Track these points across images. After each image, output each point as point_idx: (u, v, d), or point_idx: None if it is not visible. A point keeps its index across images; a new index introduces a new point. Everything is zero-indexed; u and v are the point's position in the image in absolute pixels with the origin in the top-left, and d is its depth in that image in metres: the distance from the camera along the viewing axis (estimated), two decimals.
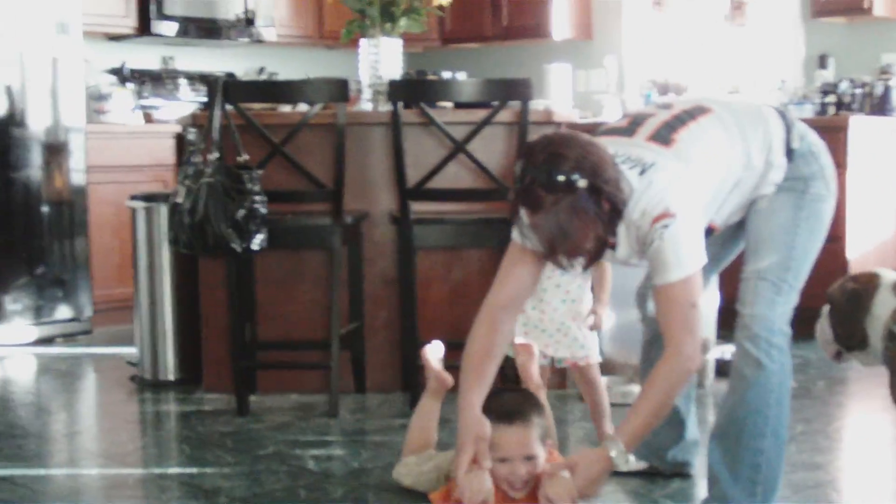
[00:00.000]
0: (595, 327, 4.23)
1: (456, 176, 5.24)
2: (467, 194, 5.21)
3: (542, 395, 3.80)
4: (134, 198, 5.76)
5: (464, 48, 9.52)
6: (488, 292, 3.44)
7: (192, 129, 5.39)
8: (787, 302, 3.35)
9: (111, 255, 7.27)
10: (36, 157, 6.92)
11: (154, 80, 8.26)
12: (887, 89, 7.07)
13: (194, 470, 4.26)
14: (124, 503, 3.94)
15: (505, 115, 5.16)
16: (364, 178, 5.44)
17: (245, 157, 4.98)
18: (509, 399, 3.48)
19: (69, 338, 6.97)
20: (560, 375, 5.34)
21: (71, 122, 7.05)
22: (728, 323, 4.33)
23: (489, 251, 5.28)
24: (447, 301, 5.42)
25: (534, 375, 3.94)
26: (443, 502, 3.59)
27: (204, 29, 8.20)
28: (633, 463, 4.10)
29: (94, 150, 7.21)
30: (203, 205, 4.81)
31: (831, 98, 7.28)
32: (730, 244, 3.69)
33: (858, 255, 6.58)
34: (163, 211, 5.48)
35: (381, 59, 5.71)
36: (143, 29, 7.97)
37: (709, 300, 5.06)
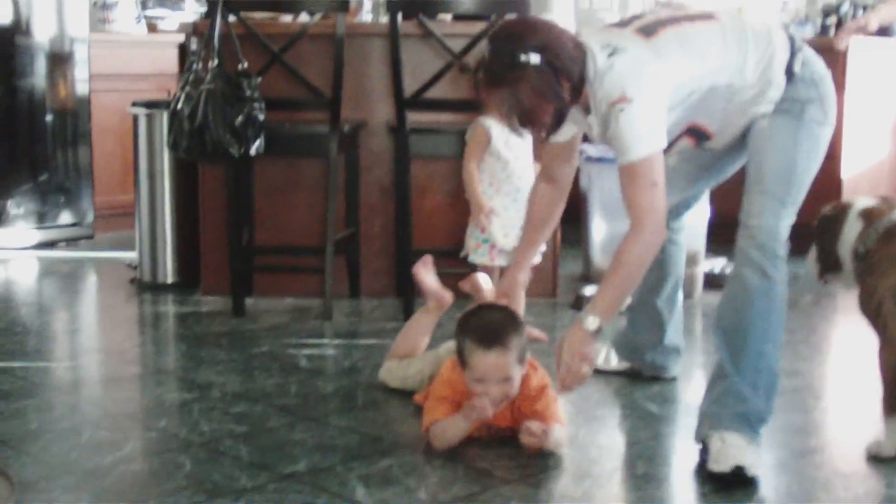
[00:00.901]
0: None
1: (453, 87, 5.30)
2: (463, 105, 5.26)
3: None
4: (135, 104, 5.82)
5: None
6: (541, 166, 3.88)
7: (195, 38, 5.44)
8: (789, 216, 3.42)
9: (113, 162, 7.35)
10: (40, 66, 6.97)
11: None
12: None
13: (189, 365, 4.38)
14: (121, 395, 4.05)
15: None
16: (362, 87, 5.51)
17: (245, 64, 5.04)
18: (489, 320, 3.51)
19: (71, 242, 7.07)
20: (551, 284, 5.44)
21: (75, 32, 7.10)
22: (718, 237, 4.43)
23: None
24: (442, 209, 5.50)
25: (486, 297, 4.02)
26: (425, 402, 3.71)
27: None
28: (614, 363, 4.25)
29: (98, 59, 7.26)
30: (202, 111, 4.88)
31: (832, 19, 7.30)
32: (728, 160, 3.77)
33: (853, 175, 6.64)
34: (163, 117, 5.54)
35: None
36: None
37: (699, 213, 5.14)
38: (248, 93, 4.93)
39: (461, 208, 5.39)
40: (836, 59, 6.41)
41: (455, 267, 5.08)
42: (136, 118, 5.78)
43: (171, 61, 7.58)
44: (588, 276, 5.80)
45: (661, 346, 4.15)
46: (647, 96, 3.25)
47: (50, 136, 7.03)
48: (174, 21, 8.07)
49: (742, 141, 3.56)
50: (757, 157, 3.47)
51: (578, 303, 5.26)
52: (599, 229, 5.71)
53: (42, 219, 6.99)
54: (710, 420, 3.37)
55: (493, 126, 4.58)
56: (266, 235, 5.52)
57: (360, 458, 3.38)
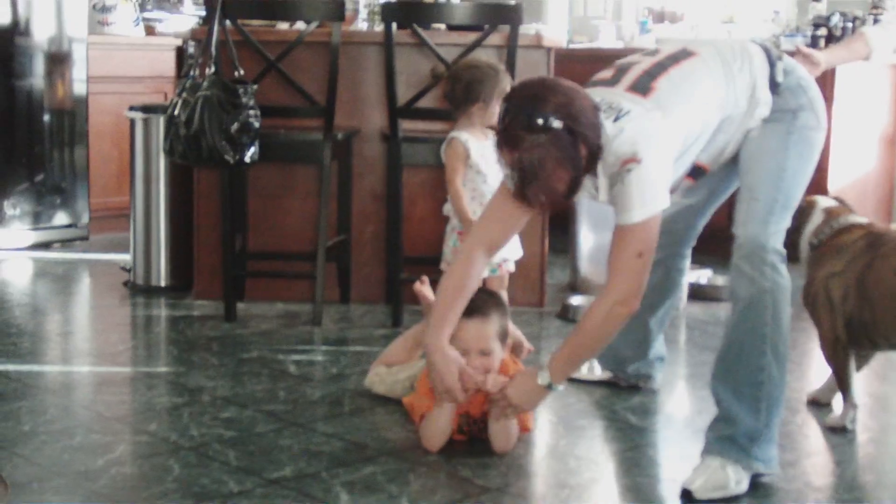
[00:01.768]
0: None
1: (443, 100, 5.37)
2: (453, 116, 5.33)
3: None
4: (133, 108, 5.90)
5: None
6: (473, 228, 3.68)
7: (192, 43, 5.51)
8: (779, 222, 3.41)
9: (109, 164, 7.43)
10: (39, 67, 7.04)
11: None
12: (877, 23, 7.14)
13: (180, 370, 4.45)
14: (113, 398, 4.11)
15: (496, 39, 5.28)
16: (356, 95, 5.58)
17: (241, 72, 5.12)
18: (473, 297, 3.60)
19: (66, 243, 7.14)
20: (539, 293, 5.51)
21: (74, 33, 7.17)
22: (703, 249, 4.50)
23: None
24: (433, 217, 5.56)
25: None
26: (412, 411, 3.79)
27: None
28: (598, 373, 4.33)
29: (96, 61, 7.33)
30: (199, 117, 4.94)
31: (822, 31, 7.37)
32: (727, 180, 3.78)
33: (840, 187, 6.71)
34: (160, 122, 5.61)
35: None
36: None
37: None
38: (244, 100, 5.00)
39: None
40: (824, 73, 6.48)
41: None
42: (132, 122, 5.85)
43: (168, 64, 7.68)
44: (575, 286, 5.87)
45: (646, 359, 4.23)
46: (656, 157, 3.22)
47: (47, 136, 7.09)
48: (172, 24, 8.15)
49: (736, 157, 3.57)
50: (746, 167, 3.48)
51: (565, 312, 5.34)
52: (587, 239, 5.78)
53: (37, 219, 7.05)
54: (704, 445, 3.43)
55: (470, 139, 4.57)
56: (259, 241, 5.60)
57: (345, 464, 3.46)
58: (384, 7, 5.24)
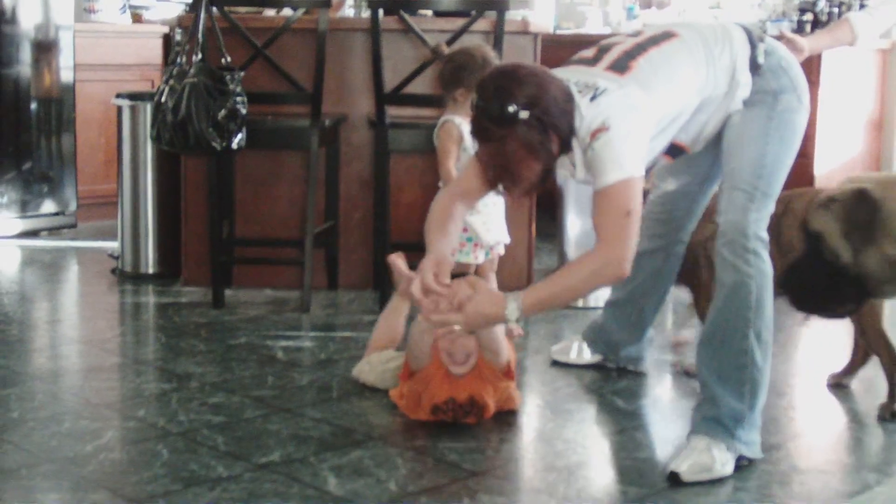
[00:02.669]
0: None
1: (432, 82, 5.37)
2: (442, 100, 5.33)
3: None
4: (120, 96, 5.90)
5: None
6: (451, 183, 3.72)
7: (179, 31, 5.52)
8: (761, 209, 3.42)
9: (97, 151, 7.43)
10: (25, 55, 7.03)
11: None
12: (862, 7, 7.16)
13: (168, 356, 4.46)
14: (101, 384, 4.12)
15: (482, 25, 5.29)
16: (343, 82, 5.59)
17: (228, 59, 5.12)
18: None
19: (54, 231, 7.14)
20: (526, 278, 5.53)
21: (61, 20, 7.16)
22: None
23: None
24: (420, 203, 5.57)
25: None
26: (400, 399, 3.81)
27: None
28: (587, 356, 4.35)
29: (83, 49, 7.33)
30: (186, 104, 4.94)
31: (808, 16, 7.39)
32: (719, 164, 3.73)
33: (825, 171, 6.74)
34: (147, 109, 5.61)
35: None
36: None
37: None
38: (230, 87, 5.00)
39: None
40: (810, 57, 6.50)
41: None
42: (120, 109, 5.85)
43: (155, 52, 7.67)
44: None
45: (640, 343, 4.26)
46: (626, 126, 3.21)
47: (34, 124, 7.08)
48: (159, 11, 8.14)
49: (719, 139, 3.58)
50: (728, 154, 3.50)
51: None
52: (574, 224, 5.77)
53: (25, 207, 7.05)
54: (690, 425, 3.46)
55: (463, 123, 4.60)
56: (246, 227, 5.61)
57: (332, 449, 3.47)
58: None
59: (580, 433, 3.73)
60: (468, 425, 3.65)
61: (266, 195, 5.63)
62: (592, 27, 8.44)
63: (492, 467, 3.38)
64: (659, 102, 3.32)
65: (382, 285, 5.22)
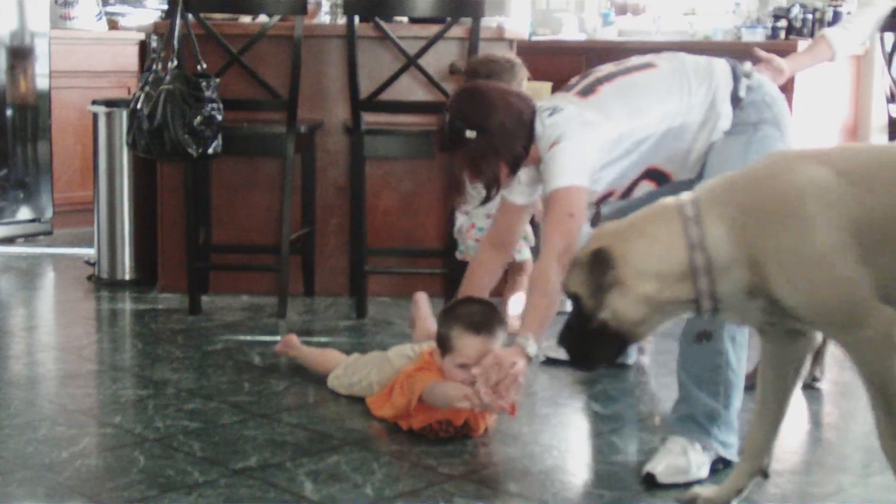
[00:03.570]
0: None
1: (408, 89, 5.40)
2: (418, 107, 5.36)
3: None
4: (95, 103, 5.89)
5: None
6: (487, 231, 4.03)
7: (155, 37, 5.52)
8: None
9: (73, 158, 7.42)
10: (1, 61, 7.00)
11: None
12: (836, 14, 7.21)
13: (145, 362, 4.46)
14: (78, 391, 4.12)
15: (458, 31, 5.31)
16: (319, 88, 5.60)
17: (203, 65, 5.13)
18: (478, 309, 3.68)
19: (30, 238, 7.11)
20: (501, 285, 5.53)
21: (36, 27, 7.14)
22: None
23: (437, 162, 5.45)
24: (396, 210, 5.61)
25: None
26: (379, 409, 3.82)
27: None
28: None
29: (59, 56, 7.31)
30: (161, 111, 4.95)
31: (782, 23, 7.43)
32: None
33: None
34: (123, 116, 5.60)
35: None
36: None
37: None
38: (206, 93, 5.00)
39: (416, 208, 5.52)
40: None
41: (408, 266, 5.22)
42: (95, 116, 5.85)
43: (131, 59, 7.66)
44: None
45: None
46: (576, 140, 3.46)
47: (10, 131, 7.06)
48: (135, 18, 8.14)
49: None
50: (707, 177, 3.54)
51: None
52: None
53: (1, 214, 7.02)
54: (667, 426, 3.49)
55: None
56: (223, 234, 5.61)
57: (309, 454, 3.48)
58: (346, 0, 5.25)
59: (556, 437, 3.74)
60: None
61: (242, 201, 5.63)
62: (568, 33, 8.47)
63: (468, 471, 3.39)
64: (615, 124, 3.52)
65: (359, 291, 5.23)
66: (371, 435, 3.69)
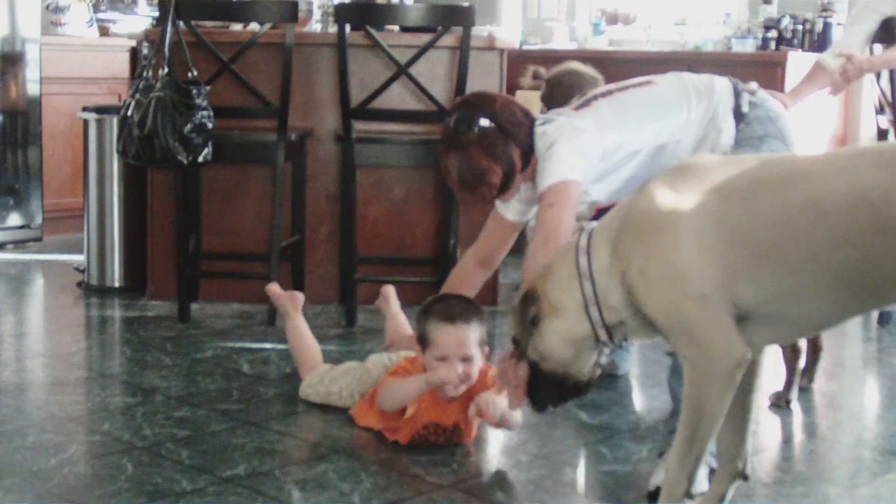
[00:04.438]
0: None
1: (399, 97, 5.42)
2: (409, 115, 5.37)
3: None
4: (86, 109, 5.89)
5: None
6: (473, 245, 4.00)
7: (146, 44, 5.53)
8: None
9: (63, 165, 7.41)
10: None
11: None
12: (826, 26, 7.26)
13: (134, 370, 4.46)
14: (66, 398, 4.11)
15: (449, 40, 5.31)
16: (310, 96, 5.60)
17: (194, 73, 5.13)
18: (453, 303, 3.71)
19: (19, 244, 7.11)
20: (492, 291, 5.54)
21: (27, 33, 7.13)
22: None
23: (428, 171, 5.47)
24: (386, 218, 5.61)
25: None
26: (364, 419, 3.82)
27: None
28: None
29: (50, 62, 7.31)
30: (152, 118, 4.95)
31: (773, 33, 7.46)
32: None
33: None
34: (114, 123, 5.60)
35: None
36: None
37: None
38: (197, 101, 5.01)
39: (406, 217, 5.52)
40: (775, 73, 6.57)
41: (398, 275, 5.22)
42: (86, 123, 5.84)
43: (122, 65, 7.66)
44: None
45: (620, 349, 4.32)
46: (568, 144, 3.55)
47: (0, 137, 7.05)
48: (126, 25, 8.13)
49: None
50: None
51: None
52: None
53: None
54: (662, 439, 3.49)
55: None
56: (213, 241, 5.61)
57: (297, 462, 3.49)
58: (338, 8, 5.27)
59: (544, 447, 3.74)
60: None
61: (232, 209, 5.63)
62: (559, 43, 8.49)
63: (456, 481, 3.39)
64: (606, 133, 3.59)
65: (349, 300, 5.23)
66: (359, 444, 3.68)
